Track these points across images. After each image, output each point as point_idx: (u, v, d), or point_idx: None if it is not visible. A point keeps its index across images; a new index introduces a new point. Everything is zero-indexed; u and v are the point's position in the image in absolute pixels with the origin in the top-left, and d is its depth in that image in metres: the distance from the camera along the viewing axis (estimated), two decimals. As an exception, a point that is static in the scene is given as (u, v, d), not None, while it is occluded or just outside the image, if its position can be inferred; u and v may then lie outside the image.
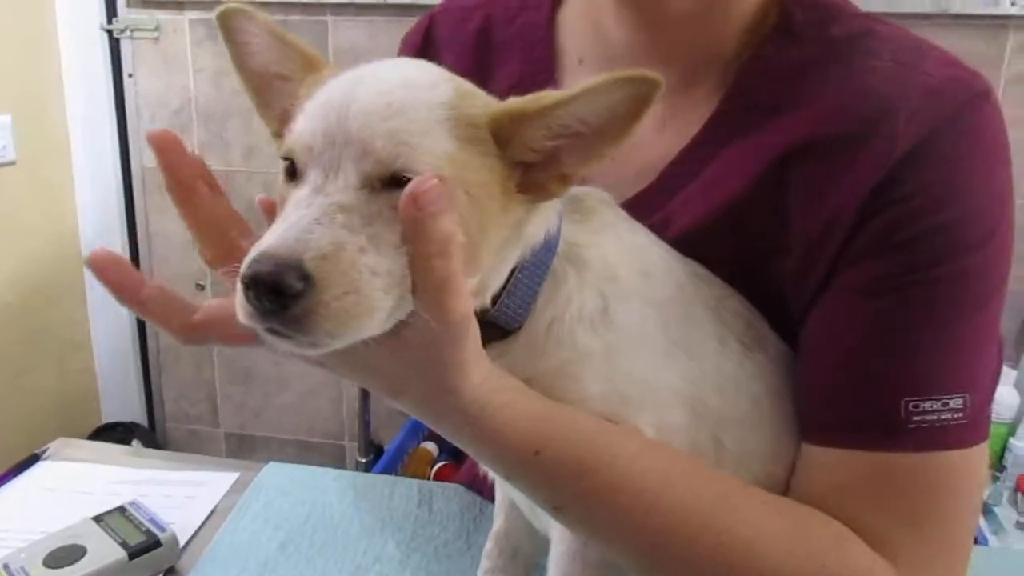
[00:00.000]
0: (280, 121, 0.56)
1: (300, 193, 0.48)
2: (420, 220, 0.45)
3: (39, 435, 2.17)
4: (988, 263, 0.60)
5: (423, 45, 0.86)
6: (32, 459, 1.05)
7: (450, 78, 0.53)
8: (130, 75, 2.28)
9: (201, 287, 2.39)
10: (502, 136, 0.51)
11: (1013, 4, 1.82)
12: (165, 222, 2.37)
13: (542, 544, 0.80)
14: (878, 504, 0.60)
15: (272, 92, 0.58)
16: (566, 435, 0.56)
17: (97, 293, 2.40)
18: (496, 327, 0.57)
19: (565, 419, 0.56)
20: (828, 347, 0.62)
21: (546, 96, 0.50)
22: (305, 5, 2.10)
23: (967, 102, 0.60)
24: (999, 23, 1.85)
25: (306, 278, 0.43)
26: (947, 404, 0.58)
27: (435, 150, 0.49)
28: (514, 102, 0.51)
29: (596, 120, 0.50)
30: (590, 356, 0.57)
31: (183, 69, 2.24)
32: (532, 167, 0.53)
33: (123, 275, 0.52)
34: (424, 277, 0.47)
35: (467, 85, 0.54)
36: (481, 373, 0.53)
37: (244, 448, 2.54)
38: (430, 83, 0.52)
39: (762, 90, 0.67)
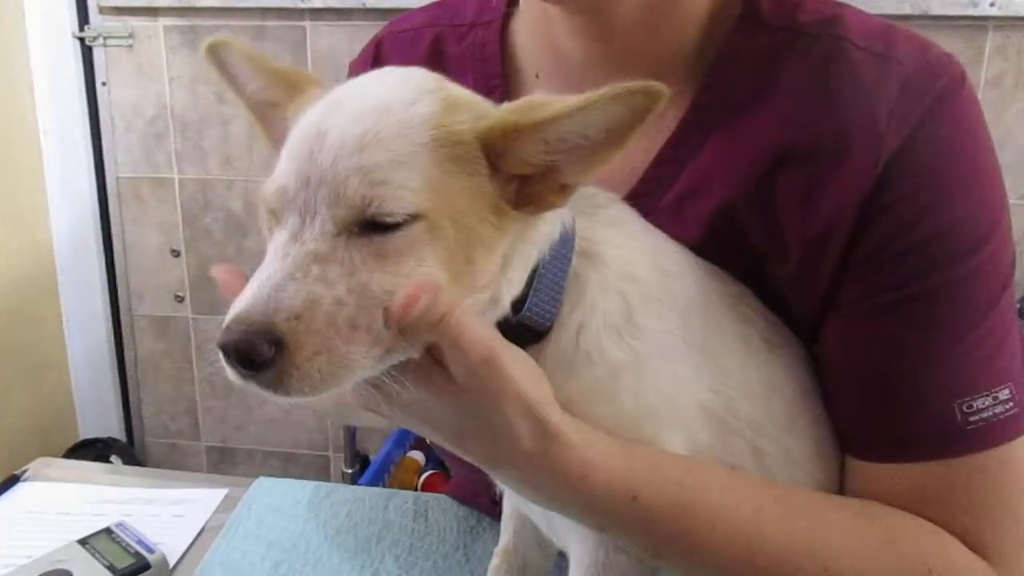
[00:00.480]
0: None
1: (278, 240, 0.47)
2: (409, 324, 0.45)
3: (15, 453, 2.12)
4: (997, 252, 0.60)
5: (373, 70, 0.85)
6: (11, 480, 1.01)
7: (436, 89, 0.51)
8: (103, 84, 2.24)
9: (180, 299, 2.35)
10: (494, 151, 0.49)
11: (992, 5, 1.83)
12: (142, 233, 2.33)
13: (551, 559, 0.78)
14: (955, 507, 0.60)
15: (268, 119, 0.57)
16: (657, 474, 0.55)
17: (72, 306, 2.35)
18: (526, 330, 0.55)
19: (648, 456, 0.55)
20: (863, 368, 0.62)
21: (542, 108, 0.48)
22: (282, 10, 2.07)
23: (944, 92, 0.60)
24: (978, 24, 1.87)
25: (277, 342, 0.43)
26: (996, 397, 0.59)
27: (412, 183, 0.47)
28: (507, 115, 0.49)
29: (595, 133, 0.48)
30: (620, 370, 0.55)
31: (158, 77, 2.20)
32: (529, 179, 0.51)
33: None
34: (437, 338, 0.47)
35: (456, 93, 0.52)
36: (557, 410, 0.52)
37: (226, 462, 2.50)
38: (409, 100, 0.49)
39: (736, 80, 0.65)
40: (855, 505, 0.61)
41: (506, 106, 0.51)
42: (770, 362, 0.61)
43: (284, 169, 0.48)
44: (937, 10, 1.85)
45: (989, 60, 1.90)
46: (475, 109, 0.51)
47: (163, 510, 0.97)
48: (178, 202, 2.28)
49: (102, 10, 2.19)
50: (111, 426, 2.45)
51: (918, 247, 0.58)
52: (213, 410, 2.46)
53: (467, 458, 0.54)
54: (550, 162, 0.50)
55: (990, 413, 0.59)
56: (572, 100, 0.47)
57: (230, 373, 0.45)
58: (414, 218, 0.46)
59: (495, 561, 0.78)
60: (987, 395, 0.59)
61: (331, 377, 0.45)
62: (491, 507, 0.93)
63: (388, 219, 0.46)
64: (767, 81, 0.63)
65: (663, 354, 0.57)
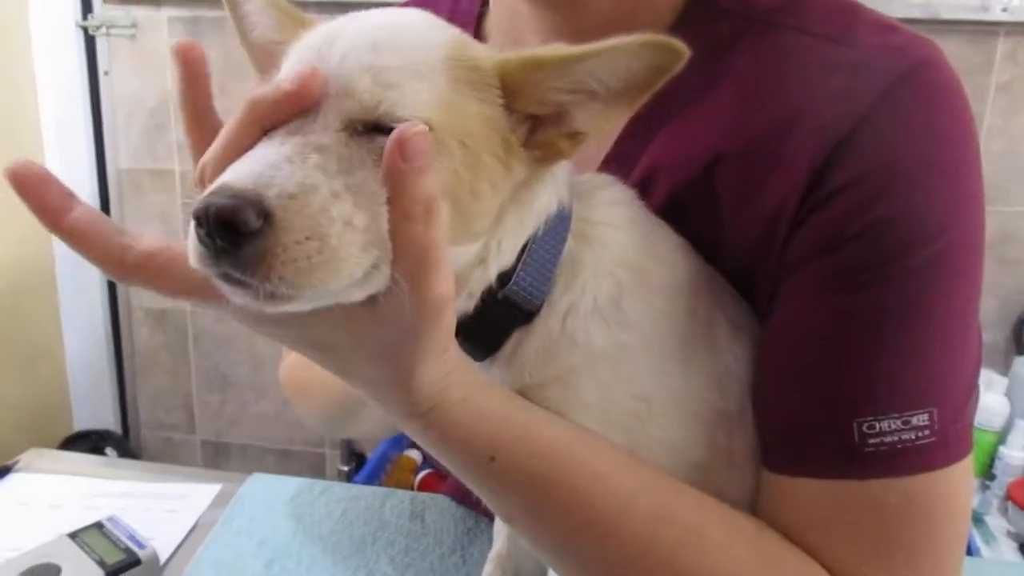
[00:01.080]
0: None
1: (275, 132, 0.43)
2: (404, 174, 0.40)
3: (8, 444, 2.10)
4: (948, 254, 0.53)
5: None
6: (2, 471, 1.00)
7: (449, 25, 0.50)
8: (106, 73, 2.22)
9: (178, 291, 2.33)
10: (512, 85, 0.48)
11: (1004, 10, 1.82)
12: (142, 224, 2.31)
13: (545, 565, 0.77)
14: (841, 536, 0.54)
15: (267, 66, 0.54)
16: (524, 443, 0.52)
17: (69, 296, 2.34)
18: (514, 308, 0.53)
19: (527, 425, 0.52)
20: (774, 363, 0.57)
21: (565, 48, 0.47)
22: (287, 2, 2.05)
23: (905, 76, 0.54)
24: (989, 29, 1.86)
25: (266, 216, 0.38)
26: (909, 422, 0.52)
27: (425, 94, 0.45)
28: (530, 51, 0.48)
29: (614, 81, 0.47)
30: (599, 360, 0.54)
31: (160, 67, 2.19)
32: (540, 123, 0.49)
33: (48, 193, 0.45)
34: (403, 244, 0.42)
35: (467, 35, 0.51)
36: (443, 364, 0.48)
37: (220, 457, 2.48)
38: (427, 25, 0.49)
39: (686, 71, 0.62)
40: (743, 527, 0.56)
41: (529, 47, 0.49)
42: (734, 348, 0.59)
43: (289, 66, 0.46)
44: (947, 15, 1.83)
45: (1000, 66, 1.88)
46: (486, 48, 0.50)
47: (156, 504, 0.96)
48: (179, 194, 2.27)
49: (105, -1, 2.18)
50: (106, 418, 2.43)
51: (853, 239, 0.53)
52: (209, 404, 2.44)
53: (338, 375, 0.51)
54: (564, 106, 0.49)
55: (895, 438, 0.52)
56: (598, 43, 0.46)
57: (196, 254, 0.40)
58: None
59: (489, 567, 0.77)
60: (896, 417, 0.52)
61: (319, 269, 0.40)
62: (484, 507, 0.92)
63: (396, 123, 0.43)
64: (716, 72, 0.60)
65: (645, 346, 0.55)
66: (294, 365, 0.86)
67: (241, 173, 0.40)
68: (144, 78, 2.21)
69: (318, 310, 0.44)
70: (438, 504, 1.00)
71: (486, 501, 0.55)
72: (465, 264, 0.50)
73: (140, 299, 2.38)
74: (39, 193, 0.44)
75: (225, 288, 0.42)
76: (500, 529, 0.77)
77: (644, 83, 0.46)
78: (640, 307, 0.55)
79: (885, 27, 0.58)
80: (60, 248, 2.29)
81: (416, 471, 2.01)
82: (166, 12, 2.15)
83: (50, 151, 2.24)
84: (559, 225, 0.54)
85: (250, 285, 0.40)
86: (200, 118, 0.48)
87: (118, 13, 2.17)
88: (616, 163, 0.64)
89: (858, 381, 0.53)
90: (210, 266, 0.40)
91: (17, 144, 2.16)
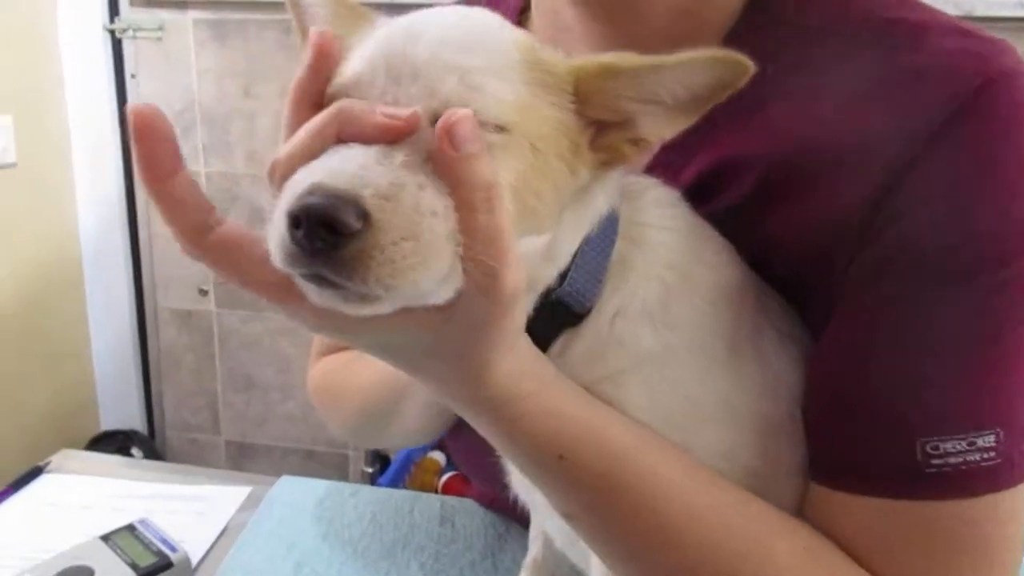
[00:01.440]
0: None
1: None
2: (456, 163, 0.40)
3: (37, 444, 2.13)
4: (1019, 278, 0.52)
5: None
6: (34, 472, 1.00)
7: (516, 27, 0.50)
8: (132, 76, 2.24)
9: (204, 292, 2.35)
10: (584, 90, 0.48)
11: (1041, 7, 1.79)
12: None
13: (582, 573, 0.76)
14: (899, 555, 0.53)
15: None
16: (594, 442, 0.51)
17: (96, 297, 2.36)
18: (564, 310, 0.52)
19: (596, 423, 0.52)
20: (833, 378, 0.56)
21: (640, 58, 0.47)
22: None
23: (982, 88, 0.51)
24: (1024, 27, 1.82)
25: (364, 217, 0.38)
26: (974, 443, 0.51)
27: (506, 95, 0.45)
28: (604, 57, 0.48)
29: (681, 92, 0.47)
30: (646, 361, 0.53)
31: (186, 70, 2.20)
32: (605, 128, 0.49)
33: (161, 149, 0.42)
34: (469, 234, 0.41)
35: (535, 38, 0.51)
36: (515, 357, 0.48)
37: (245, 457, 2.49)
38: (498, 24, 0.49)
39: None
40: (808, 538, 0.54)
41: (603, 54, 0.49)
42: (781, 356, 0.58)
43: (367, 60, 0.45)
44: (982, 11, 1.80)
45: (1034, 65, 1.84)
46: (555, 52, 0.50)
47: (185, 507, 0.96)
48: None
49: (132, 2, 2.19)
50: (132, 418, 2.45)
51: (921, 260, 0.52)
52: (234, 405, 2.45)
53: (406, 372, 0.50)
54: (631, 114, 0.49)
55: (960, 459, 0.51)
56: (670, 56, 0.46)
57: (286, 254, 0.39)
58: (499, 130, 0.44)
59: (523, 575, 0.76)
60: (962, 438, 0.51)
61: (413, 269, 0.39)
62: (516, 513, 0.91)
63: (481, 116, 0.43)
64: (772, 81, 0.57)
65: (692, 348, 0.54)
66: (325, 371, 0.85)
67: (334, 174, 0.39)
68: (170, 80, 2.22)
69: (393, 313, 0.43)
70: (467, 509, 0.99)
71: (548, 498, 0.54)
72: (534, 257, 0.50)
73: (166, 300, 2.39)
74: (152, 146, 0.42)
75: (310, 289, 0.41)
76: (536, 537, 0.76)
77: (709, 95, 0.47)
78: (687, 310, 0.54)
79: (957, 30, 0.56)
80: (88, 251, 2.32)
81: (440, 473, 2.01)
82: (192, 15, 2.16)
83: (77, 153, 2.27)
84: (609, 227, 0.53)
85: (342, 286, 0.40)
86: (304, 108, 0.46)
87: (145, 16, 2.19)
88: (661, 169, 0.63)
89: (923, 401, 0.52)
90: (303, 267, 0.40)
91: (45, 148, 2.18)
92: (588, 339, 0.53)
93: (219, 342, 2.40)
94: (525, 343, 0.50)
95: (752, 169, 0.58)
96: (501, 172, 0.44)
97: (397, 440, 0.85)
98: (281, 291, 0.44)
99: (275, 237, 0.40)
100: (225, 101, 2.20)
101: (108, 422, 2.43)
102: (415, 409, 0.71)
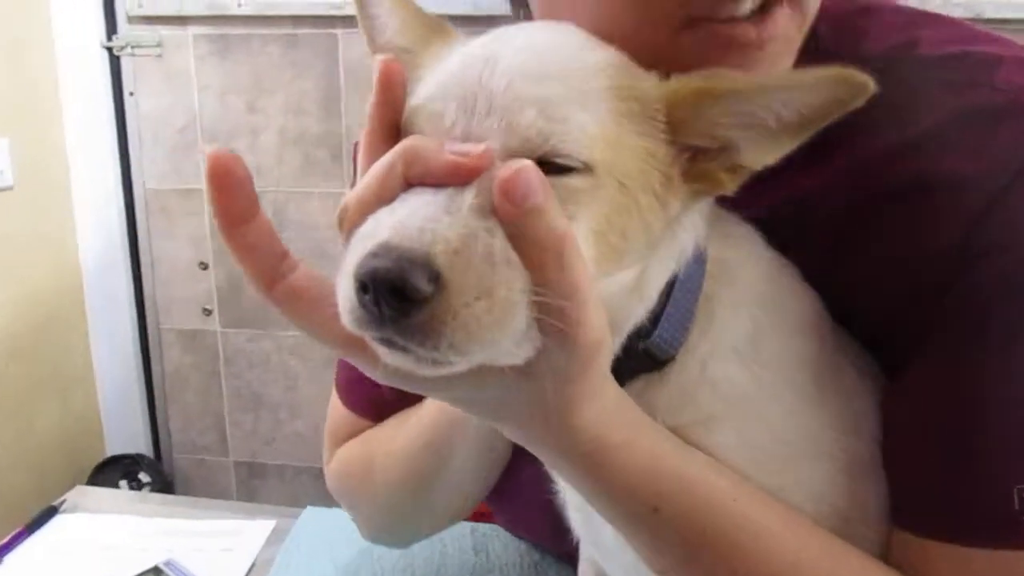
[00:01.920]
0: None
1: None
2: (517, 219, 0.37)
3: (43, 469, 2.08)
4: None
5: None
6: (49, 512, 0.96)
7: (605, 46, 0.46)
8: (131, 94, 2.20)
9: (208, 312, 2.31)
10: (679, 116, 0.45)
11: (1055, 5, 1.76)
12: (169, 246, 2.29)
13: None
14: None
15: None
16: (689, 494, 0.48)
17: (99, 319, 2.31)
18: (647, 356, 0.50)
19: (690, 473, 0.49)
20: (919, 422, 0.53)
21: (738, 79, 0.44)
22: (314, 18, 2.03)
23: None
24: (1036, 25, 1.80)
25: (436, 278, 0.36)
26: None
27: (590, 128, 0.42)
28: (697, 79, 0.45)
29: (787, 114, 0.44)
30: (739, 403, 0.50)
31: (187, 87, 2.17)
32: (700, 154, 0.46)
33: (237, 197, 0.41)
34: (543, 288, 0.38)
35: (625, 57, 0.47)
36: (601, 406, 0.45)
37: (255, 477, 2.45)
38: (579, 45, 0.45)
39: None
40: None
41: (697, 73, 0.45)
42: (861, 394, 0.55)
43: (440, 92, 0.43)
44: (991, 14, 1.78)
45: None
46: (645, 72, 0.46)
47: (209, 543, 0.93)
48: (206, 214, 2.24)
49: (130, 19, 2.16)
50: (138, 442, 2.40)
51: (1012, 299, 0.50)
52: (241, 424, 2.41)
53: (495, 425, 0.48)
54: (730, 138, 0.45)
55: None
56: (776, 75, 0.43)
57: (355, 318, 0.37)
58: (584, 168, 0.41)
59: None
60: None
61: (491, 328, 0.37)
62: (552, 542, 0.87)
63: (561, 160, 0.41)
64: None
65: (787, 383, 0.52)
66: (346, 458, 0.78)
67: (401, 229, 0.37)
68: (170, 98, 2.18)
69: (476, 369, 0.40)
70: (500, 537, 0.96)
71: (640, 553, 0.51)
72: (620, 296, 0.47)
73: (169, 320, 2.35)
74: (229, 192, 0.41)
75: (382, 351, 0.39)
76: (586, 572, 0.73)
77: (819, 116, 0.43)
78: (775, 346, 0.52)
79: (1016, 60, 0.54)
80: (90, 272, 2.28)
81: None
82: (192, 30, 2.13)
83: (76, 174, 2.23)
84: (696, 268, 0.50)
85: (413, 352, 0.37)
86: (380, 137, 0.45)
87: (143, 32, 2.15)
88: (731, 202, 0.60)
89: (1019, 446, 0.50)
90: (372, 331, 0.38)
91: (43, 169, 2.14)
92: (677, 384, 0.50)
93: (224, 362, 2.36)
94: (612, 388, 0.46)
95: (827, 207, 0.56)
96: (582, 219, 0.41)
97: (442, 507, 0.76)
98: (353, 347, 0.41)
99: (343, 298, 0.38)
100: (228, 118, 2.16)
101: (114, 447, 2.39)
102: (467, 463, 0.67)
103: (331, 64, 2.06)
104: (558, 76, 0.42)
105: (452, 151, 0.39)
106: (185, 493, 2.46)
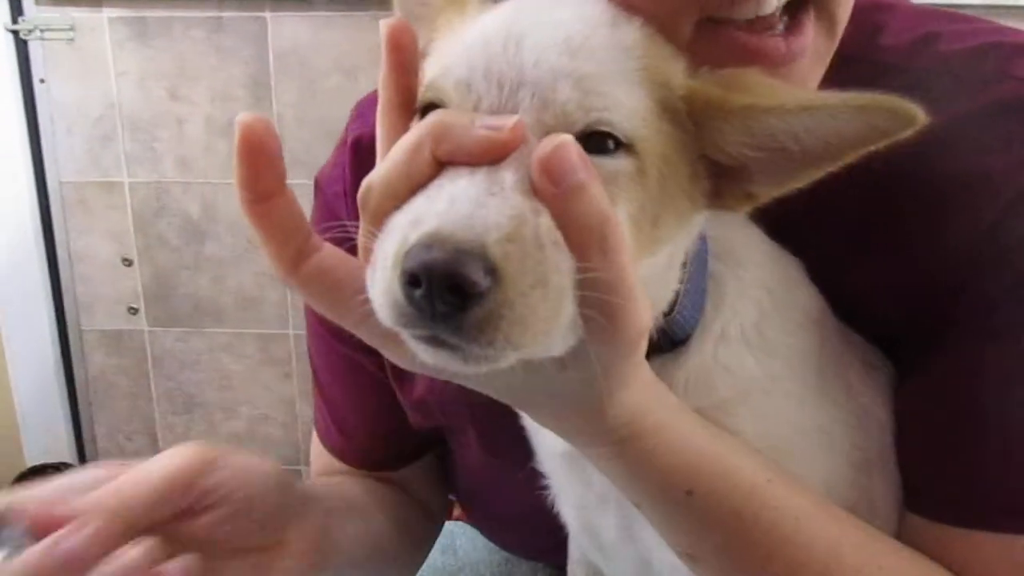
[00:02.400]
0: None
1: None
2: (559, 200, 0.35)
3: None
4: None
5: None
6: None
7: (633, 20, 0.43)
8: (42, 81, 2.07)
9: (134, 311, 2.20)
10: (698, 119, 0.42)
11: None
12: (89, 242, 2.17)
13: None
14: None
15: (421, 22, 0.48)
16: (723, 477, 0.47)
17: (13, 322, 2.18)
18: (664, 337, 0.49)
19: (724, 456, 0.48)
20: (941, 415, 0.53)
21: (761, 90, 0.40)
22: (241, 1, 1.94)
23: None
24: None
25: (491, 271, 0.33)
26: None
27: (631, 102, 0.39)
28: (718, 84, 0.42)
29: (813, 142, 0.40)
30: (753, 390, 0.50)
31: (103, 73, 2.04)
32: (716, 173, 0.44)
33: (266, 169, 0.38)
34: (584, 279, 0.36)
35: (654, 32, 0.44)
36: (637, 391, 0.43)
37: (189, 482, 2.35)
38: (609, 21, 0.42)
39: None
40: (935, 572, 0.53)
41: (722, 72, 0.42)
42: (868, 390, 0.56)
43: (466, 62, 0.40)
44: None
45: None
46: (675, 54, 0.43)
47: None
48: (129, 208, 2.13)
49: (39, 1, 2.02)
50: (61, 450, 2.28)
51: None
52: (174, 427, 2.31)
53: (520, 411, 0.47)
54: (745, 159, 0.42)
55: None
56: (800, 94, 0.40)
57: (400, 314, 0.34)
58: (627, 150, 0.39)
59: None
60: None
61: (547, 320, 0.35)
62: (527, 547, 0.86)
63: (605, 128, 0.38)
64: None
65: (793, 374, 0.51)
66: None
67: (450, 216, 0.34)
68: (86, 85, 2.06)
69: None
70: (467, 533, 0.93)
71: (673, 538, 0.50)
72: (655, 283, 0.45)
73: (92, 321, 2.23)
74: (257, 164, 0.38)
75: (422, 349, 0.36)
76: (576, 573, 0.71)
77: (854, 145, 0.40)
78: (780, 335, 0.51)
79: None
80: (1, 272, 2.14)
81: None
82: (107, 13, 2.00)
83: (-17, 166, 2.08)
84: (702, 248, 0.49)
85: (463, 350, 0.35)
86: (397, 113, 0.42)
87: (53, 15, 2.02)
88: None
89: None
90: (419, 328, 0.35)
91: (-53, 161, 2.00)
92: (693, 367, 0.49)
93: (153, 363, 2.26)
94: (646, 371, 0.45)
95: (842, 206, 0.54)
96: (621, 203, 0.39)
97: None
98: (386, 339, 0.39)
99: (382, 292, 0.35)
100: (150, 106, 2.05)
101: (33, 456, 2.26)
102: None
103: (260, 49, 1.97)
104: (590, 52, 0.40)
105: (484, 125, 0.37)
106: (115, 502, 2.35)
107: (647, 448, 0.45)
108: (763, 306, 0.51)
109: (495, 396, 0.45)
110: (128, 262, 2.17)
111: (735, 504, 0.47)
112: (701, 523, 0.48)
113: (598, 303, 0.36)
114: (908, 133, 0.39)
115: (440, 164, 0.37)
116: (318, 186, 0.74)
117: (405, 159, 0.37)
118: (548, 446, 0.59)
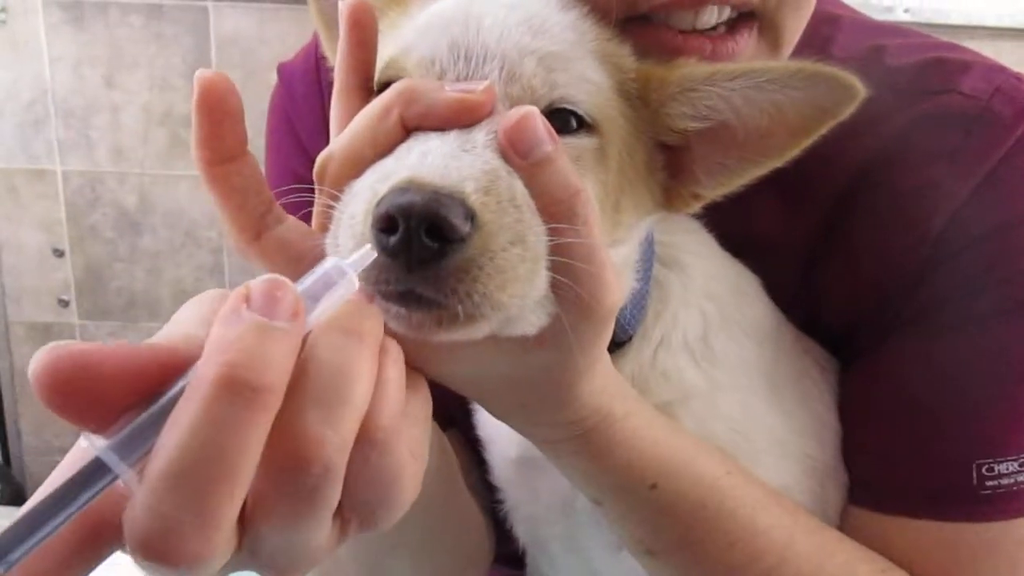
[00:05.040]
0: None
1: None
2: (527, 172, 0.35)
3: None
4: None
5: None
6: None
7: (579, 6, 0.44)
8: (-31, 63, 1.99)
9: (65, 303, 2.13)
10: (652, 97, 0.43)
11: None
12: (18, 231, 2.09)
13: None
14: None
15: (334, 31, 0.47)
16: (687, 468, 0.47)
17: (-66, 314, 2.09)
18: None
19: (687, 448, 0.48)
20: (884, 406, 0.56)
21: (699, 65, 0.42)
22: (181, -12, 1.90)
23: (1017, 120, 0.53)
24: None
25: (471, 217, 0.32)
26: None
27: (595, 83, 0.39)
28: (658, 66, 0.43)
29: (753, 114, 0.41)
30: (692, 396, 0.51)
31: (36, 57, 1.97)
32: (668, 167, 0.45)
33: (228, 128, 0.36)
34: (559, 249, 0.35)
35: (598, 21, 0.44)
36: (602, 377, 0.43)
37: (120, 480, 2.29)
38: (561, 4, 0.43)
39: None
40: (881, 563, 0.55)
41: (666, 61, 0.43)
42: (823, 396, 0.58)
43: (428, 40, 0.39)
44: (992, 22, 1.76)
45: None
46: (620, 43, 0.44)
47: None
48: (62, 197, 2.06)
49: (-34, -20, 1.94)
50: (-17, 446, 2.19)
51: (978, 292, 0.53)
52: (104, 424, 2.24)
53: (477, 402, 0.45)
54: (690, 136, 0.43)
55: (1012, 480, 0.52)
56: (742, 63, 0.40)
57: (364, 271, 0.32)
58: (590, 129, 0.39)
59: None
60: (1014, 460, 0.52)
61: (525, 279, 0.33)
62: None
63: (570, 106, 0.38)
64: None
65: (736, 384, 0.52)
66: None
67: (423, 165, 0.33)
68: (17, 70, 1.98)
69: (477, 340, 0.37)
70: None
71: (634, 534, 0.50)
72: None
73: (19, 313, 2.15)
74: (217, 122, 0.35)
75: (393, 310, 0.34)
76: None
77: (799, 127, 0.40)
78: (728, 345, 0.52)
79: (984, 69, 0.55)
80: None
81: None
82: (41, -5, 1.94)
83: (-96, 151, 1.99)
84: (648, 251, 0.49)
85: (438, 304, 0.33)
86: (355, 94, 0.40)
87: (-17, -4, 1.95)
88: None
89: (979, 425, 0.52)
90: (393, 282, 0.32)
91: None
92: (631, 366, 0.50)
93: (84, 357, 2.19)
94: (608, 358, 0.44)
95: (801, 220, 0.56)
96: (587, 183, 0.38)
97: None
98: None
99: (351, 245, 0.33)
100: (84, 92, 1.98)
101: (-46, 453, 2.17)
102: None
103: (201, 38, 1.93)
104: (551, 32, 0.40)
105: (455, 88, 0.36)
106: (41, 500, 2.27)
107: (613, 438, 0.44)
108: (709, 316, 0.52)
109: (459, 387, 0.43)
110: (59, 253, 2.10)
111: (699, 495, 0.47)
112: (664, 516, 0.47)
113: (572, 272, 0.35)
114: (848, 110, 0.39)
115: (407, 132, 0.36)
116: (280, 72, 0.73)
117: (371, 124, 0.36)
118: (501, 451, 0.58)
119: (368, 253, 0.31)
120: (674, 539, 0.49)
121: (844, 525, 0.57)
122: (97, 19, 1.92)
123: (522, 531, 0.62)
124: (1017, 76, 0.55)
